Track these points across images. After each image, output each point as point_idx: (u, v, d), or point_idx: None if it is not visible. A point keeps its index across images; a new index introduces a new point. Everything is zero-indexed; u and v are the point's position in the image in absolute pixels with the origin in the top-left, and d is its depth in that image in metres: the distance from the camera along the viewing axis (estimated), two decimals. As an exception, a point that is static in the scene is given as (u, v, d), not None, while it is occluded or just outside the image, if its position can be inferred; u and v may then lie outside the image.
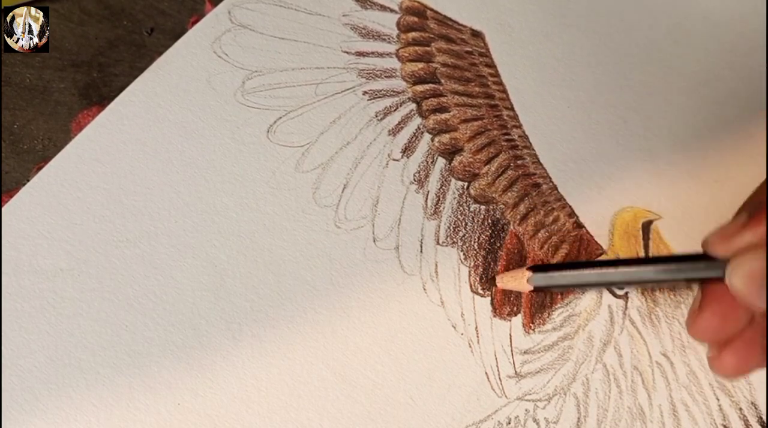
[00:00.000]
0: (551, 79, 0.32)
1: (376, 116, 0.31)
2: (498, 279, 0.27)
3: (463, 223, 0.29)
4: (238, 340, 0.26)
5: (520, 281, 0.26)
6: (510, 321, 0.28)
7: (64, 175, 0.28)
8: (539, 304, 0.28)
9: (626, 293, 0.29)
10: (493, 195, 0.30)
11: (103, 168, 0.28)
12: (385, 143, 0.30)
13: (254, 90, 0.31)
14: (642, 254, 0.29)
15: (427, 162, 0.30)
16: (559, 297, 0.28)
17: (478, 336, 0.27)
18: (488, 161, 0.30)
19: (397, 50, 0.32)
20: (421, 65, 0.32)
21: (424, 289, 0.28)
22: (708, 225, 0.24)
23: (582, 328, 0.28)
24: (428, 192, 0.29)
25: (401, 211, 0.29)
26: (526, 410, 0.26)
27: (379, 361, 0.26)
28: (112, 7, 0.33)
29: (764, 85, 0.33)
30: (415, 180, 0.30)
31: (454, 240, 0.29)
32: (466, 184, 0.30)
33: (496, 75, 0.32)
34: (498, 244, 0.29)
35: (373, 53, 0.32)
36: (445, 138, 0.31)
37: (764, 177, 0.24)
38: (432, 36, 0.33)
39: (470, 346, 0.27)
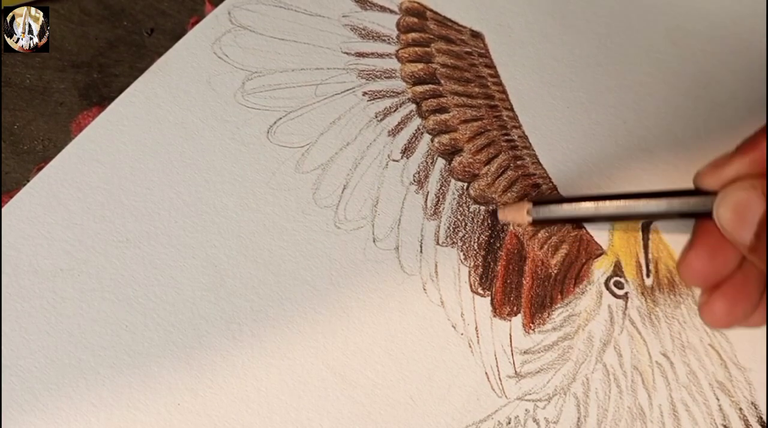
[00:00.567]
0: (551, 80, 0.33)
1: (376, 117, 0.31)
2: (500, 211, 0.28)
3: (463, 224, 0.29)
4: (238, 340, 0.26)
5: (520, 213, 0.27)
6: (510, 321, 0.28)
7: (64, 175, 0.28)
8: (539, 304, 0.28)
9: (626, 293, 0.29)
10: (493, 195, 0.30)
11: (103, 168, 0.28)
12: (384, 144, 0.30)
13: (254, 91, 0.31)
14: (642, 254, 0.29)
15: (427, 162, 0.30)
16: (560, 297, 0.28)
17: (478, 336, 0.27)
18: (488, 162, 0.30)
19: (397, 51, 0.32)
20: (420, 66, 0.32)
21: (424, 289, 0.28)
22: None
23: (582, 328, 0.28)
24: (428, 192, 0.29)
25: (401, 211, 0.29)
26: (526, 410, 0.26)
27: (379, 361, 0.26)
28: (112, 8, 0.33)
29: (764, 86, 0.33)
30: (414, 180, 0.30)
31: (454, 240, 0.29)
32: (465, 184, 0.30)
33: (496, 75, 0.32)
34: (498, 245, 0.29)
35: (372, 54, 0.32)
36: (445, 138, 0.31)
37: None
38: (432, 37, 0.33)
39: (470, 346, 0.27)
